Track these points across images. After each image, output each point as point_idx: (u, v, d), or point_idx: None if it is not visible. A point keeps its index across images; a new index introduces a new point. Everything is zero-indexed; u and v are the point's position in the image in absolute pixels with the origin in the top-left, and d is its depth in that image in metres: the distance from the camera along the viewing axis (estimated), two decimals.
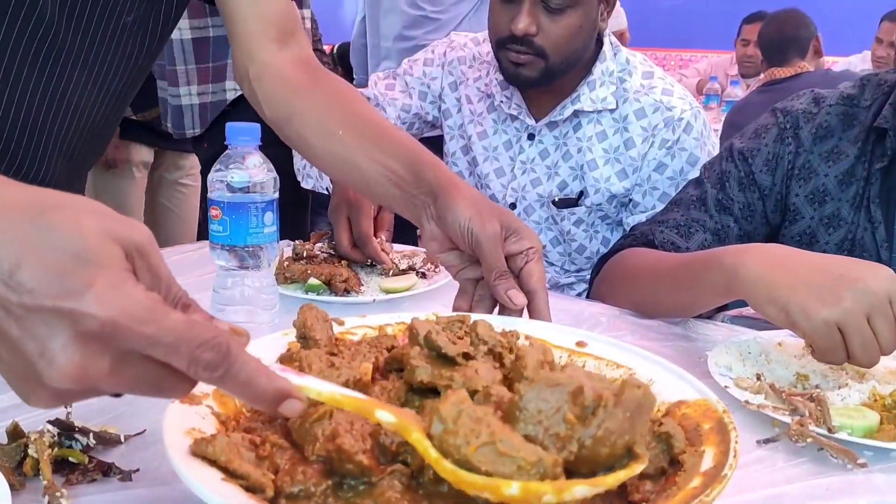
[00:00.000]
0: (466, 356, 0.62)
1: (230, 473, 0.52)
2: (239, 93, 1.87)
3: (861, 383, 0.84)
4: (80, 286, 0.42)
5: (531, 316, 0.87)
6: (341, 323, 0.77)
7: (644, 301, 1.11)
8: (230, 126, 0.91)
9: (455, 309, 0.92)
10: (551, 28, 1.40)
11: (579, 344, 0.76)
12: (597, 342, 0.76)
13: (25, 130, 0.97)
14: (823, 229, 1.17)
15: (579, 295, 1.53)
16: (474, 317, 0.72)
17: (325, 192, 1.42)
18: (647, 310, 1.10)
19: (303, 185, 1.59)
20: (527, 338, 0.77)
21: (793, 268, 0.87)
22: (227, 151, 0.91)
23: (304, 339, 0.70)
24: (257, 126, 0.92)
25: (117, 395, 0.46)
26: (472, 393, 0.56)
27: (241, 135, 0.90)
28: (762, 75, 3.43)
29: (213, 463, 0.52)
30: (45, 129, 0.99)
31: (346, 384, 0.64)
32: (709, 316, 1.26)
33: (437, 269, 1.21)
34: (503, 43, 1.43)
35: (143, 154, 2.60)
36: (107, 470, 0.63)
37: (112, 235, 0.44)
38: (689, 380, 0.68)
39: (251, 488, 0.52)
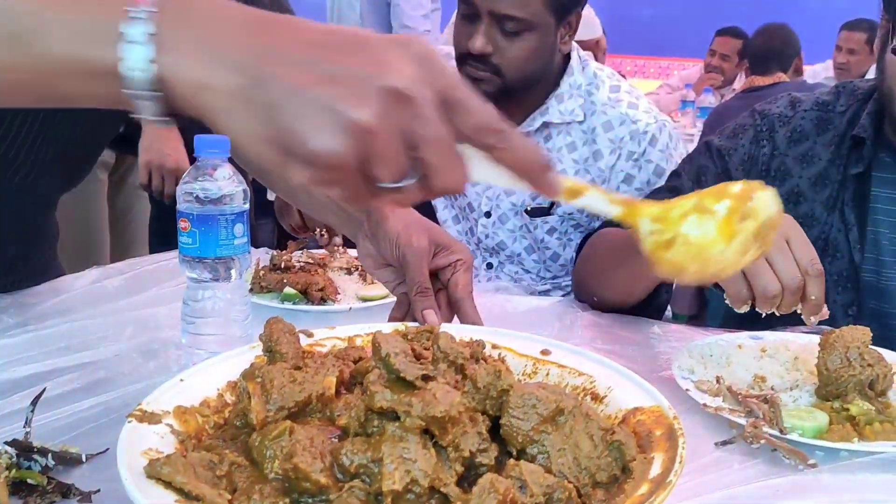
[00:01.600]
0: (426, 378, 0.61)
1: (185, 495, 0.51)
2: None
3: (812, 384, 0.85)
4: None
5: (461, 322, 0.90)
6: (310, 335, 0.78)
7: (619, 272, 1.11)
8: (199, 138, 0.90)
9: (390, 321, 0.94)
10: (507, 48, 1.41)
11: (544, 352, 0.77)
12: (561, 350, 0.77)
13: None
14: None
15: None
16: (441, 328, 0.73)
17: None
18: (624, 283, 1.10)
19: (268, 197, 1.62)
20: (494, 346, 0.78)
21: None
22: (196, 163, 0.91)
23: (271, 352, 0.70)
24: (227, 138, 0.92)
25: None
26: (430, 419, 0.55)
27: (210, 147, 0.90)
28: (736, 83, 3.64)
29: (168, 484, 0.52)
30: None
31: (308, 399, 0.64)
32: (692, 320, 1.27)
33: None
34: (463, 59, 1.45)
35: (106, 155, 2.48)
36: (66, 491, 0.62)
37: None
38: (646, 387, 0.69)
39: None
